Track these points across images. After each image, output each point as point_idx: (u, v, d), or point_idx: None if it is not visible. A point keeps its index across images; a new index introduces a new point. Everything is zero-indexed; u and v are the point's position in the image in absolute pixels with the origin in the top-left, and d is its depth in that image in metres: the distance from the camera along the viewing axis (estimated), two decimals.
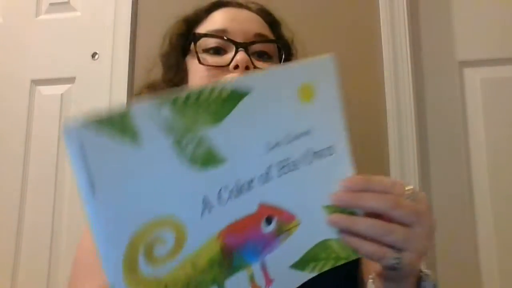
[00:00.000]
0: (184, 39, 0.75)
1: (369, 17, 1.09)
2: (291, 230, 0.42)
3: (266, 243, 0.41)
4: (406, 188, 0.42)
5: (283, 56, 0.71)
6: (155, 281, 0.35)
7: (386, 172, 1.01)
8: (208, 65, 0.66)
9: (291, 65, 0.41)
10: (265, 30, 0.71)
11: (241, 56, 0.63)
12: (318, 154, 0.41)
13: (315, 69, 0.40)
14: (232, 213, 0.39)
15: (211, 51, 0.67)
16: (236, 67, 0.64)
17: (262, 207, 0.40)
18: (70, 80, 1.28)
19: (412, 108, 1.02)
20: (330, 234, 0.42)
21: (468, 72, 1.06)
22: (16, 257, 1.20)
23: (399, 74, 1.04)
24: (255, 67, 0.65)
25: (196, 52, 0.68)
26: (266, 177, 0.40)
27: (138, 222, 0.34)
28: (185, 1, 1.23)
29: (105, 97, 1.22)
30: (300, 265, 0.43)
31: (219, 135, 0.37)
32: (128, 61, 1.22)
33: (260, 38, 0.67)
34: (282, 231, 0.41)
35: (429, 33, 1.09)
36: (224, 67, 0.64)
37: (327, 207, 0.41)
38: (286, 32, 0.78)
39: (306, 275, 0.43)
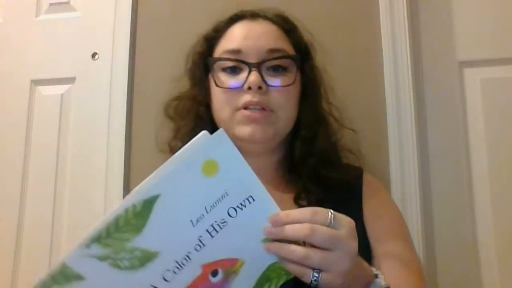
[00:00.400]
0: (205, 57, 0.79)
1: (369, 17, 1.09)
2: (237, 270, 0.49)
3: None
4: (329, 215, 0.48)
5: (300, 63, 0.75)
6: None
7: (386, 172, 1.01)
8: (224, 88, 0.71)
9: (188, 151, 0.44)
10: (279, 42, 0.73)
11: (252, 78, 0.68)
12: (239, 207, 0.47)
13: (210, 146, 0.45)
14: (181, 284, 0.46)
15: (228, 70, 0.72)
16: (250, 88, 0.68)
17: (205, 266, 0.47)
18: (70, 80, 1.28)
19: (412, 108, 1.02)
20: (274, 258, 0.50)
21: (468, 72, 1.05)
22: (16, 257, 1.20)
23: (399, 74, 1.04)
24: (268, 85, 0.69)
25: (213, 76, 0.74)
26: (200, 245, 0.46)
27: None
28: (185, 2, 1.24)
29: (105, 97, 1.22)
30: None
31: (146, 239, 0.43)
32: (128, 61, 1.22)
33: (272, 54, 0.71)
34: (229, 274, 0.49)
35: (429, 33, 1.09)
36: (239, 89, 0.69)
37: (264, 239, 0.49)
38: (304, 35, 0.80)
39: None
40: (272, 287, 0.52)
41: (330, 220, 0.48)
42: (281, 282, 0.52)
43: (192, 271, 0.47)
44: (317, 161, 0.75)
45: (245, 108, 0.70)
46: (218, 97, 0.74)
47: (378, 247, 0.69)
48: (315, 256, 0.47)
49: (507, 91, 1.03)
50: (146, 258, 0.44)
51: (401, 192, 1.00)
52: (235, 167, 0.46)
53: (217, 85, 0.72)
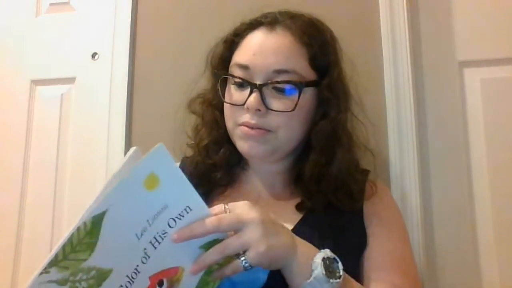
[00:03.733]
0: (222, 61, 0.78)
1: (369, 17, 1.09)
2: (180, 277, 0.52)
3: None
4: (224, 206, 0.54)
5: (313, 85, 0.71)
6: None
7: (386, 173, 1.01)
8: (228, 103, 0.73)
9: (128, 166, 0.46)
10: (290, 60, 0.70)
11: (251, 100, 0.68)
12: (178, 217, 0.50)
13: (150, 161, 0.46)
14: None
15: (237, 83, 0.72)
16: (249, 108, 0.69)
17: (152, 278, 0.50)
18: (70, 80, 1.28)
19: (412, 108, 1.02)
20: None
21: (468, 72, 1.05)
22: (16, 258, 1.20)
23: (399, 74, 1.04)
24: (267, 108, 0.68)
25: (219, 90, 0.75)
26: (146, 257, 0.48)
27: None
28: (185, 2, 1.24)
29: (105, 97, 1.22)
30: None
31: (99, 256, 0.44)
32: (128, 61, 1.21)
33: (278, 75, 0.69)
34: (173, 283, 0.52)
35: (429, 33, 1.08)
36: (241, 106, 0.70)
37: (202, 246, 0.52)
38: (328, 52, 0.75)
39: None
40: (215, 285, 0.55)
41: (227, 209, 0.53)
42: (217, 284, 0.55)
43: (141, 284, 0.49)
44: (329, 188, 0.72)
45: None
46: (225, 108, 0.75)
47: (374, 247, 0.70)
48: (232, 240, 0.51)
49: (507, 91, 1.03)
50: (102, 276, 0.45)
51: (401, 192, 1.00)
52: (174, 180, 0.48)
53: (223, 98, 0.74)
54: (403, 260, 0.70)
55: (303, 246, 0.57)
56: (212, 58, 0.80)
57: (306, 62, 0.71)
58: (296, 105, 0.68)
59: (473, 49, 1.06)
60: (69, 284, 0.43)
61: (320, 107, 0.73)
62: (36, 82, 1.30)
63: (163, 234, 0.49)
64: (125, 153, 1.18)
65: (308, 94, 0.71)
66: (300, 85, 0.69)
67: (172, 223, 0.50)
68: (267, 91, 0.69)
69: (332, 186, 0.72)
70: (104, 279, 0.45)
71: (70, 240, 0.42)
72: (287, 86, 0.69)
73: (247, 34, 0.75)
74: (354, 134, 0.79)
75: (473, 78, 1.05)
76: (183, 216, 0.50)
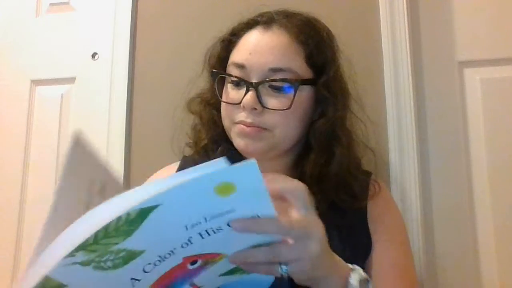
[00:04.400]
0: (220, 60, 0.78)
1: (369, 17, 1.09)
2: (218, 260, 0.49)
3: (193, 273, 0.49)
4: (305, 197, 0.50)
5: (309, 83, 0.71)
6: None
7: (386, 173, 1.01)
8: (225, 102, 0.72)
9: (208, 170, 0.41)
10: (285, 58, 0.70)
11: (247, 98, 0.68)
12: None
13: (236, 172, 0.41)
14: (159, 272, 0.46)
15: (234, 83, 0.72)
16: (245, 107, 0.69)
17: (186, 258, 0.47)
18: (70, 80, 1.28)
19: (412, 108, 1.02)
20: None
21: (468, 72, 1.05)
22: (16, 259, 1.20)
23: (399, 74, 1.04)
24: (263, 106, 0.68)
25: (216, 89, 0.75)
26: (187, 243, 0.45)
27: None
28: (185, 2, 1.24)
29: (105, 97, 1.22)
30: (228, 273, 0.52)
31: (134, 241, 0.41)
32: (128, 61, 1.22)
33: (273, 73, 0.69)
34: (207, 263, 0.49)
35: (429, 33, 1.08)
36: (237, 105, 0.70)
37: (255, 245, 0.48)
38: (325, 51, 0.75)
39: (236, 277, 0.53)
40: (244, 273, 0.53)
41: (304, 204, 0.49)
42: (246, 274, 0.53)
43: (173, 261, 0.46)
44: (331, 187, 0.71)
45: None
46: (222, 106, 0.75)
47: (377, 252, 0.70)
48: (287, 252, 0.48)
49: (507, 91, 1.03)
50: (131, 257, 0.43)
51: (401, 192, 1.00)
52: (254, 194, 0.43)
53: (220, 97, 0.74)
54: (406, 268, 0.70)
55: (339, 263, 0.55)
56: (210, 57, 0.80)
57: (302, 60, 0.71)
58: (291, 103, 0.68)
59: (473, 49, 1.06)
60: (93, 264, 0.41)
61: (318, 105, 0.73)
62: (36, 82, 1.30)
63: (218, 229, 0.45)
64: (125, 153, 1.19)
65: (305, 92, 0.71)
66: (295, 83, 0.69)
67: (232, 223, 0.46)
68: (263, 89, 0.69)
69: (333, 185, 0.71)
70: (133, 258, 0.43)
71: (105, 228, 0.39)
72: (283, 84, 0.69)
73: (243, 33, 0.75)
74: (353, 133, 0.79)
75: (473, 78, 1.05)
76: None
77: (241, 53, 0.72)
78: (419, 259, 0.96)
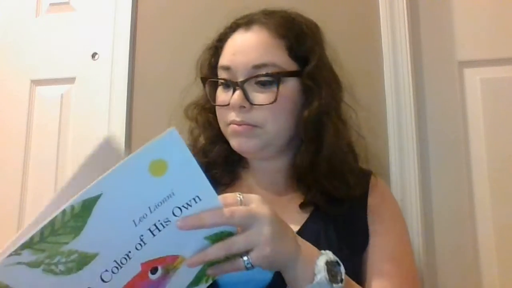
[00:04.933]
0: (210, 67, 0.81)
1: (369, 17, 1.09)
2: (178, 265, 0.48)
3: (157, 284, 0.48)
4: (238, 197, 0.51)
5: (294, 75, 0.72)
6: None
7: (386, 173, 1.01)
8: (217, 105, 0.75)
9: (134, 152, 0.41)
10: (267, 54, 0.71)
11: (234, 98, 0.70)
12: (185, 206, 0.46)
13: (160, 146, 0.42)
14: (120, 282, 0.45)
15: (223, 85, 0.74)
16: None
17: (144, 264, 0.46)
18: (70, 80, 1.28)
19: (412, 108, 1.02)
20: None
21: (468, 72, 1.05)
22: None
23: (399, 74, 1.04)
24: (251, 103, 0.70)
25: (207, 94, 0.77)
26: (141, 244, 0.44)
27: None
28: (185, 2, 1.24)
29: (105, 97, 1.22)
30: (194, 283, 0.51)
31: (84, 241, 0.40)
32: (128, 61, 1.22)
33: (257, 70, 0.70)
34: (169, 271, 0.48)
35: (429, 33, 1.08)
36: (227, 106, 0.71)
37: (208, 237, 0.49)
38: (309, 39, 0.76)
39: (203, 286, 0.52)
40: (209, 280, 0.52)
41: (240, 200, 0.51)
42: (212, 280, 0.53)
43: (131, 270, 0.45)
44: (323, 175, 0.72)
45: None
46: (216, 110, 0.76)
47: (374, 246, 0.70)
48: (239, 239, 0.49)
49: (507, 91, 1.03)
50: (84, 260, 0.41)
51: (401, 192, 1.00)
52: (185, 167, 0.44)
53: (213, 102, 0.76)
54: (402, 260, 0.70)
55: (306, 248, 0.56)
56: (201, 65, 0.83)
57: (285, 54, 0.72)
58: (276, 96, 0.69)
59: (473, 49, 1.06)
60: (43, 266, 0.39)
61: (304, 96, 0.74)
62: (36, 82, 1.30)
63: (166, 222, 0.45)
64: (125, 153, 1.19)
65: (291, 84, 0.72)
66: (277, 76, 0.70)
67: (177, 211, 0.45)
68: (249, 87, 0.70)
69: (325, 172, 0.72)
70: (86, 263, 0.42)
71: (51, 223, 0.38)
72: (267, 78, 0.70)
73: (228, 37, 0.77)
74: (344, 120, 0.79)
75: (473, 78, 1.05)
76: (190, 206, 0.46)
77: (226, 56, 0.75)
78: (419, 259, 0.96)
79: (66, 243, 0.39)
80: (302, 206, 0.73)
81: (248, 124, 0.70)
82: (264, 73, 0.70)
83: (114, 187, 0.40)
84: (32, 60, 1.31)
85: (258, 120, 0.70)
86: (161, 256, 0.47)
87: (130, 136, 1.20)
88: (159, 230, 0.45)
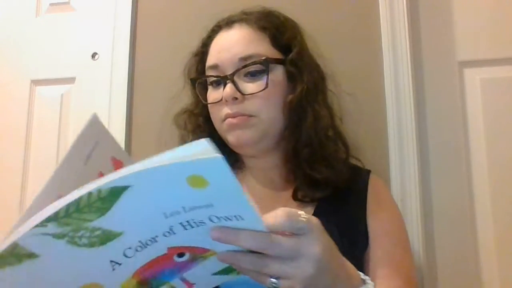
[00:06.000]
0: (199, 73, 0.82)
1: (369, 17, 1.09)
2: (207, 256, 0.48)
3: (182, 267, 0.48)
4: (300, 218, 0.45)
5: (278, 62, 0.74)
6: None
7: (386, 173, 1.01)
8: (209, 103, 0.76)
9: (174, 159, 0.38)
10: (251, 46, 0.73)
11: (226, 90, 0.71)
12: (224, 218, 0.43)
13: (201, 165, 0.38)
14: (142, 259, 0.45)
15: (213, 85, 0.76)
16: (227, 100, 0.71)
17: (171, 249, 0.46)
18: (70, 80, 1.28)
19: (412, 108, 1.02)
20: None
21: (468, 72, 1.05)
22: None
23: (399, 74, 1.04)
24: (243, 94, 0.71)
25: (197, 94, 0.79)
26: (170, 232, 0.44)
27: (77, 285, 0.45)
28: (185, 2, 1.24)
29: (105, 97, 1.22)
30: (222, 272, 0.50)
31: (109, 221, 0.40)
32: (128, 61, 1.22)
33: (244, 61, 0.72)
34: (197, 258, 0.48)
35: (429, 33, 1.09)
36: (220, 102, 0.73)
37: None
38: (286, 32, 0.78)
39: (231, 277, 0.52)
40: (240, 274, 0.50)
41: (301, 225, 0.45)
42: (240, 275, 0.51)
43: (156, 251, 0.45)
44: (305, 159, 0.73)
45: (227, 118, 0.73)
46: (209, 110, 0.78)
47: (374, 248, 0.71)
48: (274, 265, 0.44)
49: (507, 91, 1.03)
50: (108, 237, 0.42)
51: (401, 192, 1.00)
52: (228, 191, 0.40)
53: (203, 102, 0.77)
54: (402, 264, 0.70)
55: (344, 277, 0.50)
56: (189, 71, 0.84)
57: (268, 44, 0.75)
58: (267, 81, 0.71)
59: (473, 49, 1.06)
60: (66, 238, 0.40)
61: (289, 84, 0.76)
62: (36, 82, 1.30)
63: (200, 223, 0.43)
64: (126, 151, 1.19)
65: (278, 72, 0.74)
66: (265, 63, 0.72)
67: (215, 219, 0.43)
68: (239, 80, 0.72)
69: (307, 157, 0.73)
70: (110, 239, 0.42)
71: (77, 201, 0.38)
72: (255, 67, 0.72)
73: (211, 40, 0.79)
74: (329, 108, 0.79)
75: (473, 78, 1.05)
76: (230, 220, 0.43)
77: (212, 56, 0.76)
78: (419, 259, 0.96)
79: (91, 220, 0.40)
80: (294, 196, 0.74)
81: (243, 115, 0.71)
82: (251, 61, 0.71)
83: (146, 184, 0.39)
84: (32, 60, 1.31)
85: (252, 109, 0.71)
86: (191, 245, 0.46)
87: (130, 136, 1.20)
88: (192, 227, 0.44)
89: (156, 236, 0.44)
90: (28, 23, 1.33)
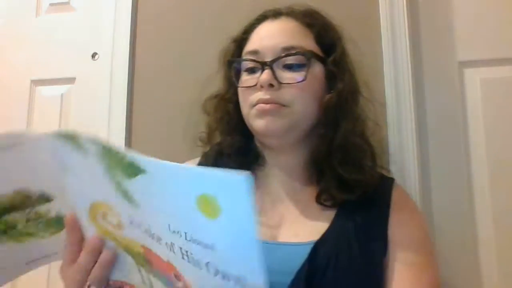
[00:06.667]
0: (235, 57, 0.81)
1: (369, 17, 1.09)
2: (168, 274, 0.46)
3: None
4: None
5: (318, 58, 0.73)
6: (104, 229, 0.49)
7: (386, 173, 1.01)
8: (241, 87, 0.75)
9: (195, 169, 0.37)
10: (296, 38, 0.73)
11: (264, 76, 0.70)
12: (224, 275, 0.38)
13: (223, 184, 0.34)
14: (149, 236, 0.45)
15: (249, 71, 0.75)
16: (262, 86, 0.70)
17: (169, 264, 0.44)
18: (70, 80, 1.28)
19: (412, 108, 1.02)
20: None
21: (468, 72, 1.05)
22: None
23: (399, 74, 1.04)
24: (280, 82, 0.70)
25: (231, 76, 0.78)
26: (171, 247, 0.42)
27: (90, 200, 0.48)
28: (185, 2, 1.24)
29: (105, 97, 1.22)
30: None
31: (131, 186, 0.42)
32: (128, 61, 1.22)
33: (286, 52, 0.71)
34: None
35: (429, 33, 1.09)
36: (254, 87, 0.72)
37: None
38: (332, 30, 0.79)
39: None
40: None
41: None
42: None
43: (162, 251, 0.44)
44: (338, 162, 0.72)
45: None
46: (240, 95, 0.77)
47: (397, 254, 0.68)
48: None
49: (507, 91, 1.03)
50: (128, 196, 0.44)
51: None
52: (241, 224, 0.35)
53: (236, 85, 0.77)
54: (424, 272, 0.67)
55: None
56: (225, 55, 0.83)
57: (312, 40, 0.75)
58: (306, 74, 0.70)
59: (473, 49, 1.06)
60: (103, 165, 0.43)
61: (328, 83, 0.75)
62: (36, 82, 1.30)
63: (197, 263, 0.40)
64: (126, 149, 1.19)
65: (317, 69, 0.73)
66: (308, 55, 0.71)
67: (212, 270, 0.39)
68: (277, 69, 0.71)
69: (339, 158, 0.72)
70: (128, 196, 0.43)
71: (109, 148, 0.42)
72: (296, 61, 0.71)
73: (254, 28, 0.78)
74: (360, 109, 0.79)
75: (473, 78, 1.05)
76: (228, 279, 0.38)
77: (253, 42, 0.76)
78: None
79: (118, 173, 0.42)
80: (317, 198, 0.72)
81: (276, 103, 0.70)
82: (295, 51, 0.71)
83: (160, 178, 0.39)
84: (32, 60, 1.31)
85: (286, 98, 0.70)
86: (180, 271, 0.43)
87: (130, 136, 1.20)
88: (188, 260, 0.40)
89: (161, 239, 0.43)
90: (28, 23, 1.33)
